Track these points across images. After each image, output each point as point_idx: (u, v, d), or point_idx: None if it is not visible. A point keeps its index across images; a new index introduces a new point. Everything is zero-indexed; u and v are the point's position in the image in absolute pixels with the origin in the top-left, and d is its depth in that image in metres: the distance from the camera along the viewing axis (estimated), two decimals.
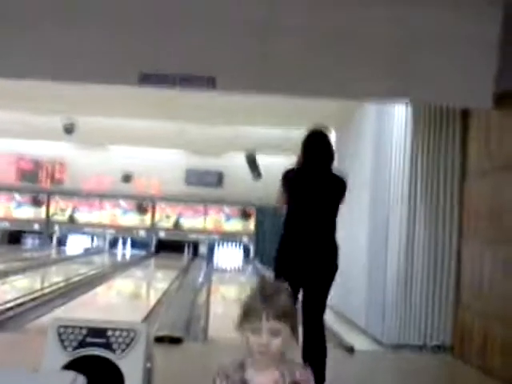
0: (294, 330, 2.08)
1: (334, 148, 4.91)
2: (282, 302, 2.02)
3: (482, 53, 5.87)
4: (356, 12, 5.88)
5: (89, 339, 2.60)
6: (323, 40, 5.99)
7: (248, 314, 2.01)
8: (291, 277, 4.08)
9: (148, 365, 2.65)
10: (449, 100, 6.27)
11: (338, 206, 4.71)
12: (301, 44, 6.00)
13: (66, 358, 2.57)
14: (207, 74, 6.14)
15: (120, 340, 2.59)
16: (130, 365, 2.56)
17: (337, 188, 4.75)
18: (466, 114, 6.90)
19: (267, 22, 6.00)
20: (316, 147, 4.74)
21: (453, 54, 5.97)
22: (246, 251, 20.39)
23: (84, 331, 2.62)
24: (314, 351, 4.40)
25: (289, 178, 4.74)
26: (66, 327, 2.63)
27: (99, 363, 2.60)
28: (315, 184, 4.65)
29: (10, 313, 8.13)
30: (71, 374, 1.77)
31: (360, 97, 7.02)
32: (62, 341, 2.60)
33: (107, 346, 2.59)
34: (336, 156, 12.25)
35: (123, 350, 2.58)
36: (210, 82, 6.17)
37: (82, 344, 2.61)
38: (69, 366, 2.53)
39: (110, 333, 2.61)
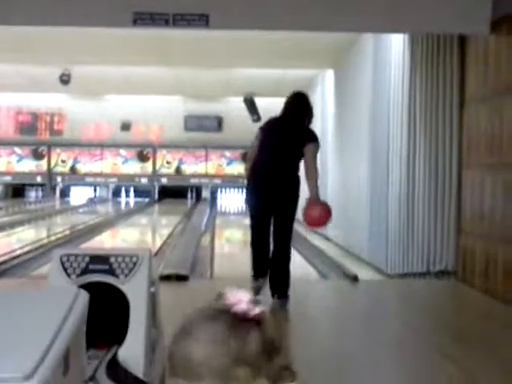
0: None
1: (311, 108, 5.77)
2: None
3: None
4: None
5: (92, 266, 2.64)
6: None
7: None
8: (262, 207, 5.55)
9: (152, 289, 2.69)
10: (446, 28, 6.21)
11: (300, 151, 5.50)
12: None
13: (70, 285, 2.60)
14: (200, 11, 6.09)
15: (123, 266, 2.63)
16: (134, 289, 2.60)
17: (302, 135, 5.57)
18: (463, 42, 6.82)
19: None
20: (293, 102, 5.66)
21: None
22: None
23: (87, 259, 2.65)
24: (279, 264, 5.53)
25: (265, 125, 5.77)
26: (68, 256, 2.66)
27: (103, 289, 2.64)
28: (284, 130, 5.57)
29: (17, 261, 8.22)
30: (73, 289, 1.80)
31: (356, 29, 6.97)
32: (65, 269, 2.63)
33: (110, 271, 2.63)
34: (336, 95, 12.25)
35: (126, 276, 2.61)
36: (202, 20, 6.13)
37: (85, 271, 2.64)
38: None
39: (112, 259, 2.64)
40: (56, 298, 1.74)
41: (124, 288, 2.60)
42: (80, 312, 1.69)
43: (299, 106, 5.67)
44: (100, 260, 2.64)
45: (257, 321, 1.07)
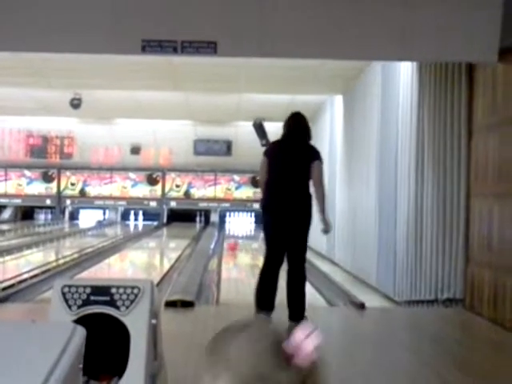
0: None
1: (309, 127, 5.92)
2: None
3: (487, 8, 5.82)
4: None
5: (93, 297, 2.62)
6: (324, 2, 5.96)
7: None
8: (278, 229, 5.55)
9: (153, 321, 2.67)
10: (454, 56, 6.22)
11: (308, 169, 5.59)
12: (300, 7, 5.97)
13: (70, 316, 2.59)
14: (208, 38, 6.13)
15: (124, 297, 2.61)
16: (135, 321, 2.58)
17: (307, 153, 5.67)
18: (471, 70, 6.83)
19: None
20: (292, 124, 5.81)
21: (458, 9, 5.91)
22: (258, 218, 20.45)
23: (88, 290, 2.64)
24: (295, 284, 5.59)
25: (269, 149, 5.87)
26: (69, 286, 2.65)
27: (104, 321, 2.62)
28: (289, 151, 5.67)
29: (24, 284, 8.21)
30: (71, 325, 1.79)
31: (365, 57, 6.99)
32: (66, 300, 2.62)
33: (111, 303, 2.61)
34: (344, 121, 12.28)
35: (127, 307, 2.60)
36: (211, 47, 6.16)
37: (86, 302, 2.63)
38: None
39: (113, 290, 2.63)
40: (52, 333, 1.73)
41: (125, 320, 2.58)
42: (76, 349, 1.68)
43: (299, 124, 5.80)
44: (101, 291, 2.63)
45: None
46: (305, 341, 1.04)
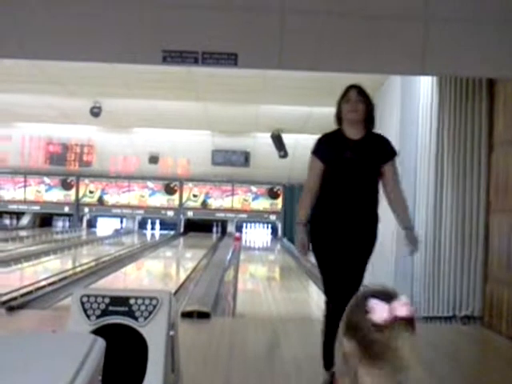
0: None
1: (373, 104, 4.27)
2: None
3: (506, 23, 5.80)
4: None
5: (111, 308, 2.63)
6: (343, 15, 5.97)
7: None
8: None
9: (171, 332, 2.67)
10: (474, 71, 6.20)
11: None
12: (319, 21, 5.98)
13: (89, 327, 2.60)
14: (229, 50, 6.16)
15: (142, 308, 2.62)
16: (153, 332, 2.58)
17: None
18: (491, 84, 6.80)
19: (285, 0, 5.99)
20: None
21: (476, 24, 5.90)
22: (274, 230, 20.43)
23: (107, 300, 2.65)
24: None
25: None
26: (88, 296, 2.66)
27: (122, 331, 2.63)
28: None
29: (42, 292, 8.25)
30: (91, 336, 1.79)
31: (383, 71, 6.99)
32: (85, 310, 2.63)
33: (130, 314, 2.62)
34: None
35: (146, 318, 2.60)
36: (231, 59, 6.19)
37: (104, 313, 2.63)
38: None
39: (132, 301, 2.64)
40: (72, 344, 1.74)
41: (143, 331, 2.59)
42: (96, 360, 1.68)
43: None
44: (120, 302, 2.64)
45: None
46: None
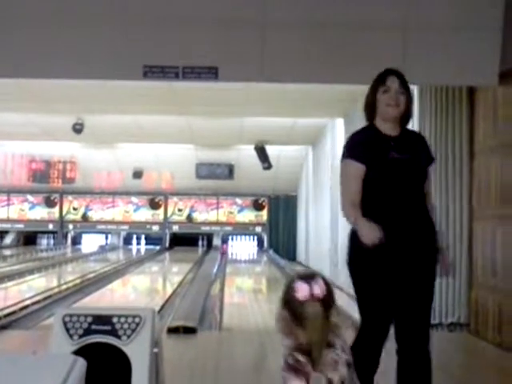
0: None
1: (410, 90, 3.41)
2: None
3: (487, 31, 5.86)
4: (353, 1, 5.92)
5: (94, 327, 2.61)
6: (324, 27, 6.00)
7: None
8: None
9: (155, 350, 2.65)
10: (455, 80, 6.25)
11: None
12: (300, 33, 6.02)
13: (72, 346, 2.58)
14: (209, 64, 6.17)
15: (125, 326, 2.60)
16: (136, 350, 2.56)
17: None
18: (472, 93, 6.85)
19: (266, 13, 6.01)
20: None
21: (457, 32, 5.95)
22: (260, 241, 20.42)
23: (89, 319, 2.63)
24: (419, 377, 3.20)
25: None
26: (71, 316, 2.63)
27: (106, 350, 2.60)
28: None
29: (26, 311, 8.18)
30: (71, 357, 1.77)
31: (364, 82, 7.01)
32: (67, 330, 2.60)
33: (113, 332, 2.60)
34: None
35: (129, 336, 2.58)
36: (212, 73, 6.19)
37: (87, 332, 2.61)
38: (75, 355, 2.54)
39: (115, 319, 2.62)
40: (52, 365, 1.71)
41: (126, 349, 2.57)
42: (76, 381, 1.66)
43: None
44: (103, 320, 2.62)
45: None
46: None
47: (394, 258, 3.07)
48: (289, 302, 2.12)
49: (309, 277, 2.13)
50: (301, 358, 2.11)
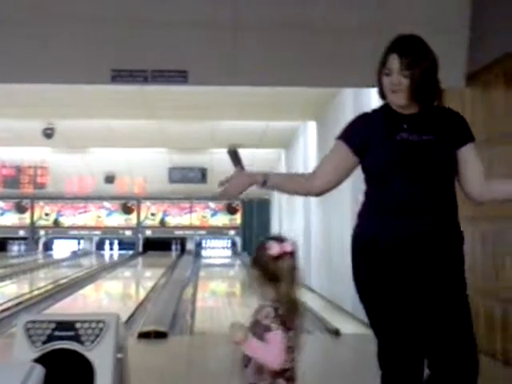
0: None
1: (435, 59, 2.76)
2: None
3: (453, 32, 5.91)
4: (323, 3, 5.94)
5: (57, 333, 2.58)
6: (296, 29, 6.01)
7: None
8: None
9: (119, 355, 2.63)
10: None
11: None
12: (270, 36, 6.02)
13: (34, 353, 2.55)
14: (178, 67, 6.14)
15: (89, 332, 2.57)
16: (100, 356, 2.54)
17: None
18: (439, 95, 6.90)
19: (236, 16, 6.01)
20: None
21: (422, 33, 5.99)
22: (234, 245, 20.41)
23: (52, 325, 2.60)
24: None
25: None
26: (34, 322, 2.60)
27: (69, 356, 2.57)
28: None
29: None
30: (28, 364, 1.74)
31: (335, 84, 7.06)
32: (29, 336, 2.57)
33: (76, 338, 2.57)
34: (318, 147, 12.34)
35: (92, 342, 2.56)
36: (181, 76, 6.17)
37: (50, 338, 2.58)
38: (38, 361, 2.50)
39: (78, 325, 2.59)
40: (8, 374, 1.69)
41: (89, 355, 2.54)
42: None
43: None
44: (66, 326, 2.59)
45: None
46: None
47: (409, 269, 2.45)
48: (260, 260, 2.35)
49: (278, 238, 2.41)
50: (280, 311, 2.32)
